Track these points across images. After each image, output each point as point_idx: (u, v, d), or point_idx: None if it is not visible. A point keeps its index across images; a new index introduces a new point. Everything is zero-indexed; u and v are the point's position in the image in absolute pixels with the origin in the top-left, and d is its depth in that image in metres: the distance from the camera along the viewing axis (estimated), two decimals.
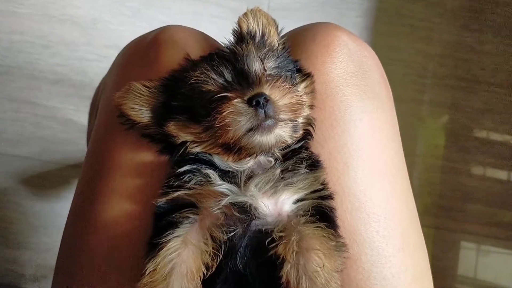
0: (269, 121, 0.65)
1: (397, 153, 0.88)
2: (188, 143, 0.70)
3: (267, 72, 0.71)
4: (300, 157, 0.72)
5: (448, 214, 2.08)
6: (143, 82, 0.73)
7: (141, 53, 0.85)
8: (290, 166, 0.70)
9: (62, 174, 1.94)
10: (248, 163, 0.69)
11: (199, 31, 0.96)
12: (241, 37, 0.82)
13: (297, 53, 0.87)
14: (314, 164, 0.73)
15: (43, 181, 2.08)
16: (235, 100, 0.65)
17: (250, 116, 0.64)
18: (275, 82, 0.71)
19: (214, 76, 0.72)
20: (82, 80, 2.00)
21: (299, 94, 0.74)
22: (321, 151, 0.77)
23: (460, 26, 2.18)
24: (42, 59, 2.03)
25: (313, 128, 0.80)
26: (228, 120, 0.64)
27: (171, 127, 0.71)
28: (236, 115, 0.64)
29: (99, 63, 2.14)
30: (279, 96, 0.69)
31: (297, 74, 0.81)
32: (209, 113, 0.66)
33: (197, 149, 0.70)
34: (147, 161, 0.76)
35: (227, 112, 0.64)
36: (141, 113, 0.73)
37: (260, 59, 0.74)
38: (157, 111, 0.73)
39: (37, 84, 2.02)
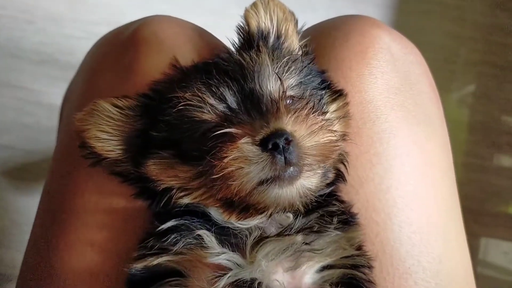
0: (290, 170, 0.49)
1: (452, 194, 0.70)
2: (173, 191, 0.55)
3: (288, 93, 0.54)
4: (328, 211, 0.57)
5: (474, 218, 1.89)
6: (112, 100, 0.59)
7: (115, 55, 0.70)
8: (316, 226, 0.56)
9: (47, 166, 1.73)
10: (257, 219, 0.54)
11: (192, 24, 0.75)
12: (248, 38, 0.62)
13: (322, 60, 0.67)
14: (347, 221, 0.58)
15: (26, 173, 1.90)
16: (243, 140, 0.49)
17: (265, 164, 0.48)
18: (300, 111, 0.52)
19: (212, 101, 0.53)
20: (69, 61, 1.89)
21: (333, 128, 0.54)
22: (355, 198, 0.62)
23: (495, 6, 1.94)
24: (25, 36, 1.90)
25: (346, 167, 0.61)
26: (231, 169, 0.49)
27: (151, 167, 0.56)
28: (244, 163, 0.48)
29: (88, 41, 1.89)
30: (306, 133, 0.50)
31: (324, 92, 0.60)
32: (203, 153, 0.51)
33: (185, 200, 0.56)
34: (118, 207, 0.62)
35: (230, 158, 0.49)
36: (110, 145, 0.58)
37: (278, 76, 0.54)
38: (132, 142, 0.58)
39: (20, 65, 1.90)
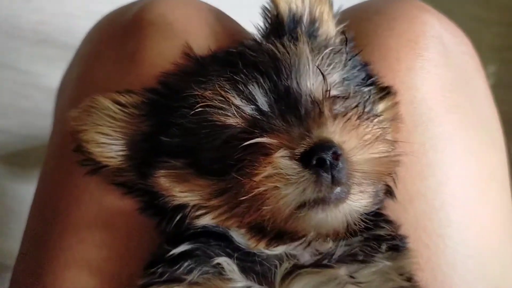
0: (338, 191, 0.40)
1: (509, 210, 0.60)
2: (188, 209, 0.46)
3: (332, 93, 0.45)
4: (375, 235, 0.48)
5: None
6: (113, 95, 0.50)
7: (115, 41, 0.61)
8: (361, 254, 0.47)
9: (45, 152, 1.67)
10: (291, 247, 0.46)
11: (208, 5, 0.64)
12: (277, 23, 0.52)
13: (364, 50, 0.56)
14: (397, 247, 0.49)
15: (24, 159, 1.79)
16: (280, 154, 0.40)
17: (307, 185, 0.39)
18: (349, 115, 0.42)
19: (238, 102, 0.44)
20: (69, 41, 1.68)
21: (389, 138, 0.45)
22: (403, 217, 0.53)
23: None
24: (22, 15, 1.77)
25: (394, 180, 0.50)
26: (264, 190, 0.40)
27: (160, 180, 0.47)
28: (281, 183, 0.40)
29: (89, 21, 1.80)
30: (358, 144, 0.41)
31: (370, 89, 0.51)
32: (226, 166, 0.43)
33: (203, 220, 0.46)
34: (120, 222, 0.53)
35: (263, 175, 0.40)
36: (110, 150, 0.50)
37: (320, 71, 0.44)
38: (137, 147, 0.50)
39: (16, 45, 1.77)
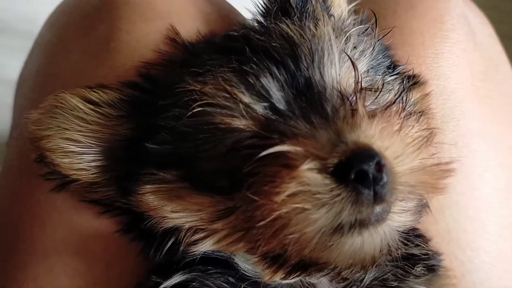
0: (379, 210, 0.32)
1: None
2: (183, 232, 0.38)
3: (364, 85, 0.37)
4: (410, 255, 0.40)
5: None
6: (83, 91, 0.41)
7: (83, 24, 0.51)
8: (394, 279, 0.39)
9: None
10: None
11: None
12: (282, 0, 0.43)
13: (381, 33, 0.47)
14: (433, 267, 0.42)
15: None
16: (307, 165, 0.31)
17: (343, 205, 0.31)
18: (388, 113, 0.34)
19: (247, 98, 0.35)
20: (31, 30, 1.55)
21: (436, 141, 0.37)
22: (433, 229, 0.46)
23: None
24: None
25: None
26: (287, 212, 0.31)
27: (146, 197, 0.38)
28: (310, 203, 0.31)
29: (52, 7, 1.68)
30: (403, 150, 0.33)
31: (398, 78, 0.42)
32: (234, 180, 0.35)
33: (203, 246, 0.38)
34: (96, 246, 0.44)
35: (286, 194, 0.31)
36: (81, 161, 0.41)
37: (350, 58, 0.36)
38: (116, 156, 0.41)
39: None
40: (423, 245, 0.41)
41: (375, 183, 0.30)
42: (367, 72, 0.39)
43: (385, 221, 0.33)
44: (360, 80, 0.35)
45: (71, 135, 0.40)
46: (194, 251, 0.37)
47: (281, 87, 0.34)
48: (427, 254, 0.41)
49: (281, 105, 0.34)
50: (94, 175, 0.41)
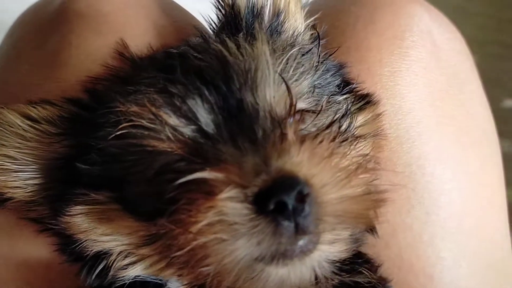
0: (304, 242, 0.31)
1: (505, 235, 0.51)
2: (114, 255, 0.36)
3: (300, 106, 0.36)
4: (353, 283, 0.38)
5: None
6: (23, 107, 0.39)
7: (37, 36, 0.50)
8: None
9: None
10: None
11: None
12: (233, 15, 0.42)
13: (339, 49, 0.46)
14: None
15: None
16: (226, 194, 0.29)
17: (262, 236, 0.30)
18: (320, 138, 0.32)
19: (174, 120, 0.33)
20: (4, 20, 1.48)
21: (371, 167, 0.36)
22: (384, 254, 0.43)
23: None
24: None
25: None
26: (204, 242, 0.30)
27: (76, 218, 0.36)
28: (227, 233, 0.30)
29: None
30: (332, 179, 0.31)
31: (346, 98, 0.41)
32: (160, 204, 0.33)
33: (133, 271, 0.36)
34: (37, 263, 0.42)
35: (202, 223, 0.29)
36: (17, 179, 0.39)
37: (283, 78, 0.34)
38: (53, 175, 0.39)
39: None
40: (368, 273, 0.39)
41: (296, 214, 0.29)
42: (311, 92, 0.37)
43: (312, 252, 0.31)
44: (294, 103, 0.34)
45: (7, 152, 0.38)
46: (124, 276, 0.36)
47: (211, 109, 0.33)
48: (371, 282, 0.39)
49: (209, 128, 0.33)
50: (30, 193, 0.39)
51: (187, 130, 0.33)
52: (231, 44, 0.36)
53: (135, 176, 0.34)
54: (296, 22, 0.44)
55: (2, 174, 0.38)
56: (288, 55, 0.36)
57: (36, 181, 0.39)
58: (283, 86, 0.34)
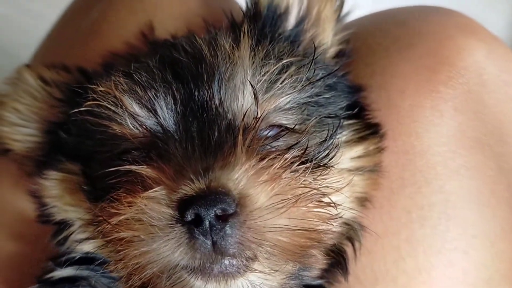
0: (224, 264, 0.29)
1: None
2: (73, 227, 0.38)
3: (273, 120, 0.34)
4: None
5: None
6: (41, 69, 0.42)
7: (83, 9, 0.53)
8: None
9: None
10: None
11: None
12: (255, 11, 0.40)
13: (363, 70, 0.44)
14: None
15: None
16: (149, 193, 0.29)
17: (177, 244, 0.28)
18: (275, 157, 0.30)
19: (137, 109, 0.33)
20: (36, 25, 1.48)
21: (327, 199, 0.32)
22: None
23: None
24: None
25: (355, 251, 0.38)
26: (125, 236, 0.29)
27: (48, 182, 0.38)
28: (141, 232, 0.29)
29: (20, 18, 1.48)
30: (270, 202, 0.29)
31: (352, 122, 0.38)
32: (105, 191, 0.33)
33: (85, 247, 0.37)
34: (28, 218, 0.43)
35: (120, 218, 0.29)
36: (18, 132, 0.42)
37: (252, 86, 0.32)
38: (47, 136, 0.41)
39: None
40: None
41: (213, 232, 0.27)
42: (298, 108, 0.35)
43: (237, 277, 0.29)
44: (259, 115, 0.32)
45: (17, 106, 0.41)
46: (77, 250, 0.37)
47: (174, 105, 0.32)
48: None
49: (169, 123, 0.32)
50: (27, 148, 0.42)
51: (149, 121, 0.33)
52: (214, 43, 0.34)
53: (99, 155, 0.35)
54: (324, 33, 0.41)
55: (7, 125, 0.41)
56: (277, 65, 0.33)
57: (34, 139, 0.41)
58: (252, 97, 0.32)
